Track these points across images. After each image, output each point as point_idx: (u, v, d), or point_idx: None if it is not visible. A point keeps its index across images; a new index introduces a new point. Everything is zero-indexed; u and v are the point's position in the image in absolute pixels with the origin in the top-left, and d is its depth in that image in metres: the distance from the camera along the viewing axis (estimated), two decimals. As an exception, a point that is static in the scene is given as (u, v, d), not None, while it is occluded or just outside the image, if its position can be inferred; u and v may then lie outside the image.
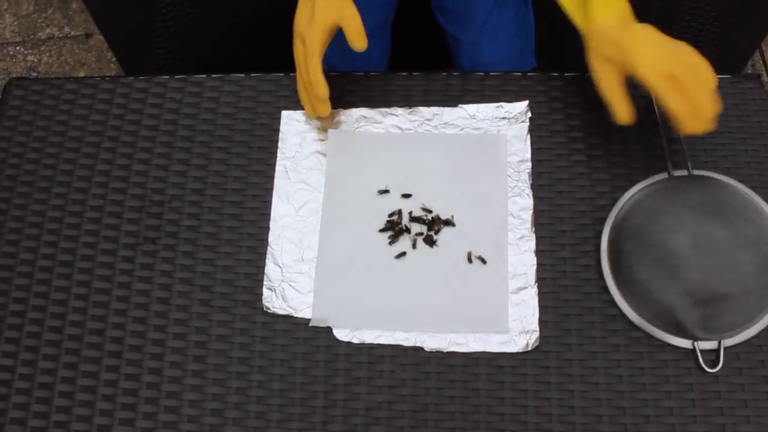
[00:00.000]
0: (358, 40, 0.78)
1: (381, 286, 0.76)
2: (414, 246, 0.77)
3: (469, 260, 0.76)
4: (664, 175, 0.79)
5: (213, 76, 0.87)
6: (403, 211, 0.79)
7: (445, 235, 0.78)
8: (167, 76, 0.88)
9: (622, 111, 0.74)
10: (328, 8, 0.78)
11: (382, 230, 0.78)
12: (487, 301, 0.74)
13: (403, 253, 0.77)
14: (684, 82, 0.70)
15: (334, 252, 0.77)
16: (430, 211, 0.79)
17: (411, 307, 0.75)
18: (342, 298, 0.75)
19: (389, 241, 0.77)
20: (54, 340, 0.75)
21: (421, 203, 0.79)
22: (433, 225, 0.78)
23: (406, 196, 0.79)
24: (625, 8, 0.74)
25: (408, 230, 0.78)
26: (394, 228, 0.78)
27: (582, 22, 0.75)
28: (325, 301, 0.75)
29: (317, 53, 0.78)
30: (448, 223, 0.78)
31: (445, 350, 0.73)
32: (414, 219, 0.78)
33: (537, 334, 0.73)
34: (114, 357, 0.74)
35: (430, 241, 0.77)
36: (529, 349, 0.72)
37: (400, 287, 0.75)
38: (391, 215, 0.79)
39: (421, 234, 0.78)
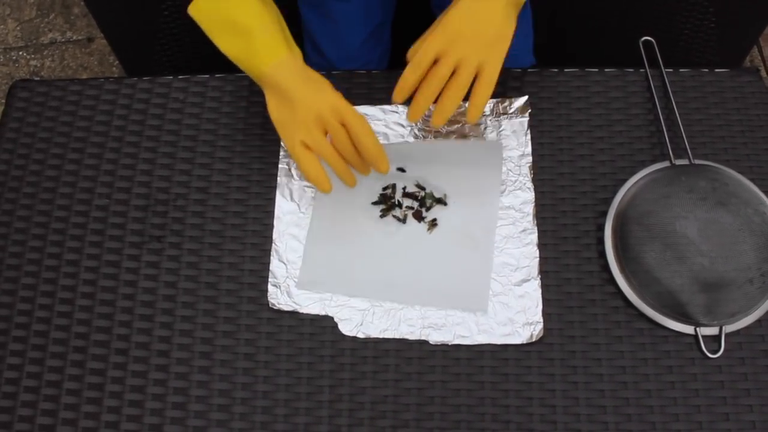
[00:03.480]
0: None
1: (368, 256, 0.77)
2: (404, 220, 0.79)
3: (456, 239, 0.77)
4: (666, 163, 0.79)
5: (216, 75, 0.88)
6: (397, 186, 0.81)
7: (435, 213, 0.79)
8: (170, 77, 0.89)
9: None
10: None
11: (374, 203, 0.80)
12: (469, 280, 0.76)
13: (399, 220, 0.79)
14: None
15: (326, 218, 0.79)
16: (424, 188, 0.80)
17: (395, 278, 0.76)
18: (329, 264, 0.77)
19: (381, 214, 0.79)
20: (61, 338, 0.76)
21: (415, 180, 0.81)
22: (425, 202, 0.79)
23: (401, 170, 0.81)
24: None
25: (400, 205, 0.80)
26: (387, 201, 0.80)
27: None
28: (312, 266, 0.77)
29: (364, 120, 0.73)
30: (440, 201, 0.79)
31: (450, 343, 0.73)
32: (407, 195, 0.80)
33: (541, 326, 0.73)
34: (121, 354, 0.75)
35: (419, 217, 0.79)
36: (533, 340, 0.73)
37: (387, 258, 0.77)
38: (384, 189, 0.80)
39: (411, 208, 0.79)
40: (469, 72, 0.72)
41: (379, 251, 0.78)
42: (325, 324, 0.75)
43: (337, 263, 0.77)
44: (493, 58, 0.72)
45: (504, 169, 0.81)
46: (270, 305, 0.76)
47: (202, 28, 0.76)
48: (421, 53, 0.72)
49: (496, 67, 0.73)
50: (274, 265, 0.77)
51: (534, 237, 0.77)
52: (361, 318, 0.75)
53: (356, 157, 0.74)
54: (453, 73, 0.72)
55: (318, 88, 0.73)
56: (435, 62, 0.72)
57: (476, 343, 0.73)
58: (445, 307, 0.75)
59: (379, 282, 0.76)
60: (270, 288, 0.76)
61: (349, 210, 0.80)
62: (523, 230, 0.78)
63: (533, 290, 0.75)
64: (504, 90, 0.86)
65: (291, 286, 0.76)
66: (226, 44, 0.75)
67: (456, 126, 0.83)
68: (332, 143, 0.73)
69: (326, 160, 0.74)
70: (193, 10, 0.76)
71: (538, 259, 0.76)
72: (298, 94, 0.73)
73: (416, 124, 0.83)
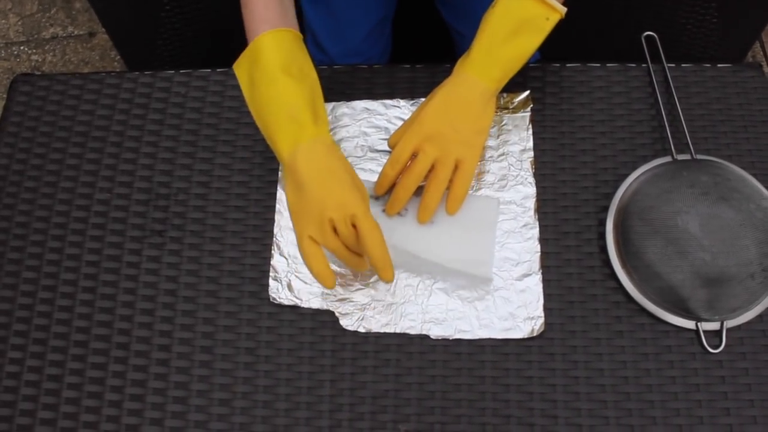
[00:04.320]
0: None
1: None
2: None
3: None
4: (668, 158, 0.79)
5: (218, 70, 0.88)
6: None
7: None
8: (172, 71, 0.88)
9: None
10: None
11: None
12: (473, 246, 0.76)
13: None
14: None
15: None
16: None
17: (399, 245, 0.75)
18: None
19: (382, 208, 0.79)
20: (62, 332, 0.76)
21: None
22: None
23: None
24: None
25: None
26: None
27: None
28: None
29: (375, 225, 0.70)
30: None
31: (451, 337, 0.73)
32: None
33: (542, 321, 0.73)
34: (122, 349, 0.75)
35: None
36: (534, 335, 0.73)
37: (391, 226, 0.76)
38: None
39: None
40: (448, 169, 0.74)
41: (383, 218, 0.77)
42: (325, 319, 0.75)
43: None
44: (471, 154, 0.75)
45: (505, 163, 0.81)
46: (271, 300, 0.76)
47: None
48: (398, 150, 0.75)
49: (474, 162, 0.75)
50: (275, 259, 0.77)
51: (535, 232, 0.77)
52: (361, 312, 0.75)
53: (363, 256, 0.72)
54: (432, 168, 0.74)
55: (334, 185, 0.70)
56: (414, 155, 0.75)
57: (477, 337, 0.73)
58: (450, 274, 0.75)
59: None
60: (271, 282, 0.76)
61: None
62: (525, 225, 0.77)
63: (534, 285, 0.75)
64: (507, 85, 0.85)
65: (292, 281, 0.76)
66: (255, 116, 0.74)
67: None
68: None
69: (335, 254, 0.71)
70: (237, 68, 0.75)
71: (539, 253, 0.76)
72: (312, 190, 0.70)
73: None
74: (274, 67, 0.71)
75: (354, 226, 0.69)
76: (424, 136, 0.74)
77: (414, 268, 0.76)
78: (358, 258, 0.72)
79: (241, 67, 0.74)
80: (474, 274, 0.75)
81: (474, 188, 0.80)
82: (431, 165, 0.74)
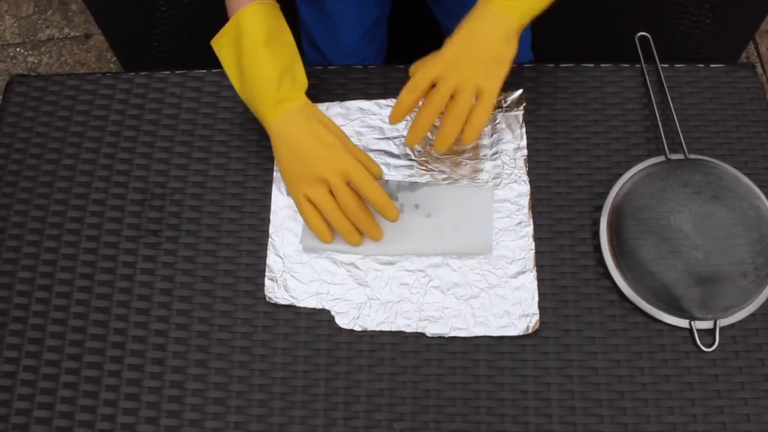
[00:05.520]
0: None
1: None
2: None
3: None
4: (661, 158, 0.79)
5: (213, 71, 0.88)
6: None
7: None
8: (168, 72, 0.89)
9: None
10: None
11: None
12: (471, 224, 0.77)
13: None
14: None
15: None
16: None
17: (398, 240, 0.77)
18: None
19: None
20: (58, 332, 0.76)
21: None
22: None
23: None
24: None
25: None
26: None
27: None
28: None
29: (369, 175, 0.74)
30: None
31: (446, 335, 0.73)
32: None
33: (537, 318, 0.73)
34: (117, 348, 0.75)
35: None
36: (530, 332, 0.73)
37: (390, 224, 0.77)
38: None
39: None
40: (468, 96, 0.72)
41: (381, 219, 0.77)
42: (321, 318, 0.75)
43: None
44: (491, 82, 0.73)
45: (499, 161, 0.81)
46: (267, 299, 0.76)
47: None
48: (418, 76, 0.73)
49: (494, 91, 0.73)
50: (271, 259, 0.78)
51: (530, 229, 0.77)
52: (357, 311, 0.75)
53: (361, 217, 0.75)
54: (451, 97, 0.73)
55: (322, 145, 0.74)
56: (433, 86, 0.73)
57: (473, 335, 0.73)
58: (449, 252, 0.76)
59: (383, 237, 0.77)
60: (267, 282, 0.76)
61: None
62: (519, 223, 0.78)
63: (529, 282, 0.75)
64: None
65: (288, 280, 0.76)
66: (236, 86, 0.77)
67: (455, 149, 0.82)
68: (337, 203, 0.74)
69: (328, 219, 0.75)
70: (215, 45, 0.77)
71: (533, 251, 0.76)
72: (302, 151, 0.74)
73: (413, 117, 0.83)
74: (256, 40, 0.74)
75: (348, 184, 0.73)
76: (445, 64, 0.72)
77: (415, 259, 0.77)
78: (351, 227, 0.75)
79: (220, 42, 0.77)
80: (476, 252, 0.76)
81: (467, 184, 0.80)
82: (451, 94, 0.73)
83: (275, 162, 0.80)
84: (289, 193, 0.80)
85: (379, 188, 0.73)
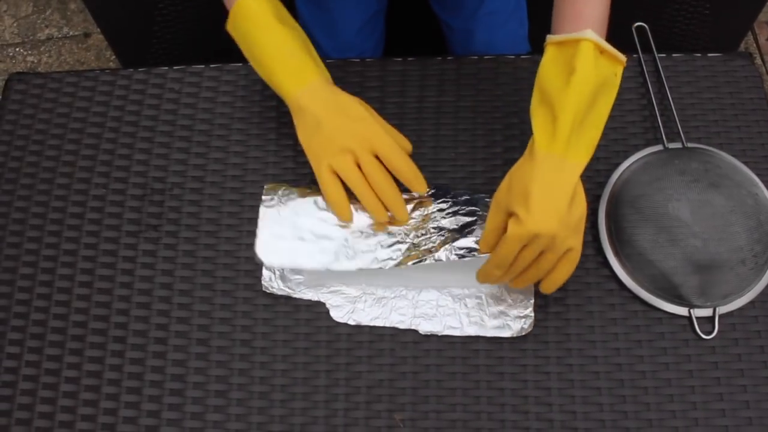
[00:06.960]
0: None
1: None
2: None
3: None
4: (659, 147, 0.80)
5: (211, 66, 0.88)
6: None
7: None
8: (166, 67, 0.89)
9: None
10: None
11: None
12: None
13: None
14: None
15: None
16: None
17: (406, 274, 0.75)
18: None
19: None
20: (59, 327, 0.76)
21: None
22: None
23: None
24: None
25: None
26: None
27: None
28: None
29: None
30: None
31: (440, 333, 0.74)
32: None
33: (531, 319, 0.73)
34: (119, 342, 0.75)
35: None
36: (523, 334, 0.73)
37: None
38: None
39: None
40: (557, 258, 0.66)
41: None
42: (320, 310, 0.75)
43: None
44: (578, 241, 0.67)
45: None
46: (263, 289, 0.76)
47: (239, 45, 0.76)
48: (504, 253, 0.65)
49: (580, 248, 0.67)
50: (270, 251, 0.78)
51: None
52: (352, 305, 0.75)
53: (389, 191, 0.72)
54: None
55: (348, 117, 0.72)
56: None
57: (466, 334, 0.73)
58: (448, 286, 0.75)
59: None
60: (264, 272, 0.77)
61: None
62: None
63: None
64: (498, 77, 0.86)
65: (285, 271, 0.77)
66: (256, 66, 0.75)
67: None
68: (365, 176, 0.72)
69: (354, 189, 0.71)
70: (230, 27, 0.75)
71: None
72: (327, 123, 0.71)
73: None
74: (268, 16, 0.73)
75: (375, 155, 0.71)
76: (531, 237, 0.64)
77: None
78: (378, 202, 0.72)
79: (234, 25, 0.75)
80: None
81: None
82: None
83: (298, 136, 0.75)
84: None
85: (408, 160, 0.71)
